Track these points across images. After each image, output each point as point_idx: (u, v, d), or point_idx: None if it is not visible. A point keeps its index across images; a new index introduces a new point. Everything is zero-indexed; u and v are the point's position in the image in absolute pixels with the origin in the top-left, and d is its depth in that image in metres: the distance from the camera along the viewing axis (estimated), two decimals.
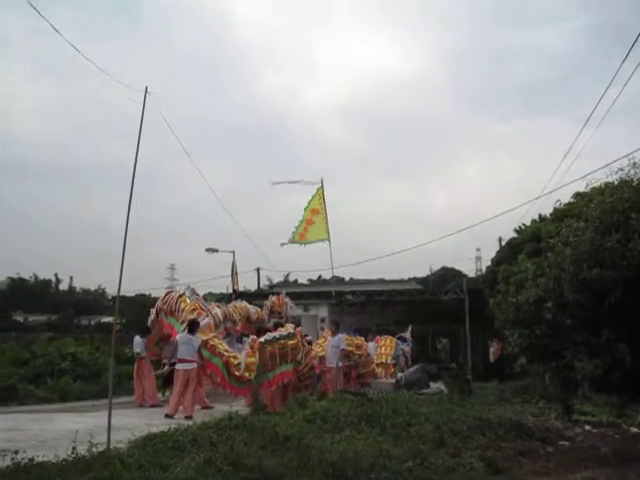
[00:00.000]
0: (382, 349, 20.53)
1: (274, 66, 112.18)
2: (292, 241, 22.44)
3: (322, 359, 15.15)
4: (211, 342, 13.27)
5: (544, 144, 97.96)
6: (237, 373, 12.58)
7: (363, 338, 18.49)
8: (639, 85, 12.89)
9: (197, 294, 15.67)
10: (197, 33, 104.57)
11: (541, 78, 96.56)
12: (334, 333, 15.65)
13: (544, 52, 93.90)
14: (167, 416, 11.81)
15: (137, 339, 15.14)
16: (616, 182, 13.86)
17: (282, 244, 22.61)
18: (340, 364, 15.10)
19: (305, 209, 22.42)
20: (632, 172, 13.53)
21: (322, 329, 22.00)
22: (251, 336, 13.78)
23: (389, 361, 20.20)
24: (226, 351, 13.21)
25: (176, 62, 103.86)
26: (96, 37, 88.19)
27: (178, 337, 12.72)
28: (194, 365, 12.66)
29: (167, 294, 15.64)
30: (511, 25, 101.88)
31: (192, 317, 13.66)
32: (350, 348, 16.46)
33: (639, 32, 10.66)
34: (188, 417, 11.57)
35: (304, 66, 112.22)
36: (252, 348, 12.77)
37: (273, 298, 19.68)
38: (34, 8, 7.75)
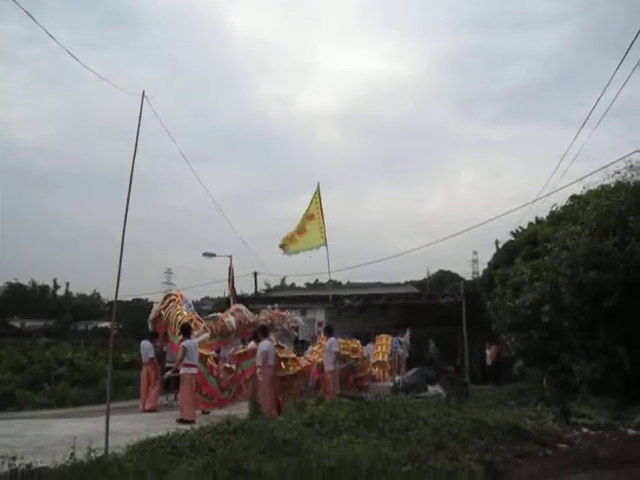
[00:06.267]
0: (379, 348, 20.52)
1: (269, 72, 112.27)
2: (283, 246, 22.47)
3: (320, 365, 15.09)
4: (210, 362, 13.55)
5: (540, 148, 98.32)
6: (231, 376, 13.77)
7: (359, 342, 18.46)
8: (634, 87, 12.92)
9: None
10: (193, 42, 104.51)
11: (535, 82, 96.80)
12: (327, 338, 15.62)
13: (537, 56, 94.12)
14: (184, 421, 11.50)
15: (147, 344, 14.96)
16: (613, 185, 13.89)
17: (281, 245, 22.74)
18: (337, 366, 15.09)
19: (302, 216, 22.43)
20: (629, 175, 13.58)
21: (319, 333, 21.95)
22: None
23: (386, 359, 20.17)
24: (218, 372, 13.92)
25: (172, 70, 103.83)
26: (91, 46, 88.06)
27: (186, 343, 12.61)
28: (197, 370, 12.83)
29: (166, 297, 15.58)
30: (503, 30, 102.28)
31: (179, 319, 13.82)
32: (346, 352, 16.46)
33: (635, 35, 10.64)
34: (189, 421, 11.50)
35: (299, 72, 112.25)
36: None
37: (268, 313, 19.31)
38: (32, 18, 7.82)
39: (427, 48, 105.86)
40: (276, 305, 19.99)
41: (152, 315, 15.36)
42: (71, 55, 8.61)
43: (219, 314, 16.38)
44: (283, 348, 14.31)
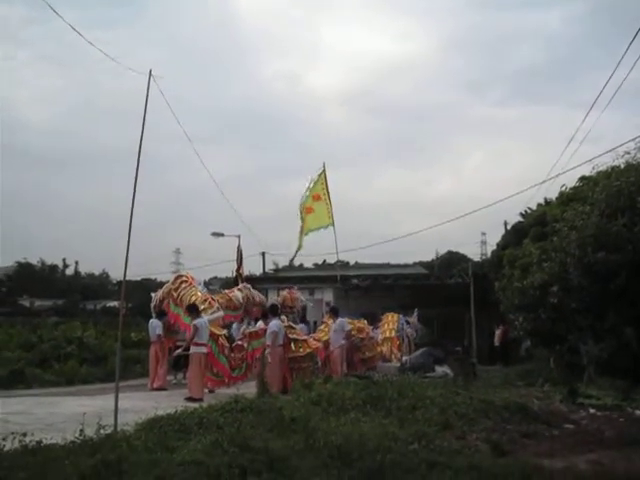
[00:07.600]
0: (385, 326, 20.62)
1: (276, 52, 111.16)
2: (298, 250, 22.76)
3: (326, 344, 15.19)
4: (221, 340, 13.57)
5: (548, 129, 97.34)
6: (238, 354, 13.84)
7: (366, 322, 18.54)
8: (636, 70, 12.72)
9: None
10: (199, 20, 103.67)
11: (542, 63, 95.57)
12: (334, 319, 15.69)
13: (544, 36, 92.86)
14: (192, 400, 11.55)
15: (156, 322, 14.96)
16: (622, 166, 13.76)
17: (291, 260, 22.97)
18: (344, 342, 15.22)
19: (307, 196, 22.33)
20: (639, 155, 13.42)
21: (326, 313, 22.04)
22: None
23: (393, 335, 20.26)
24: (231, 350, 13.83)
25: (178, 50, 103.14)
26: (96, 27, 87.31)
27: (198, 322, 12.64)
28: (206, 349, 12.88)
29: (177, 278, 15.56)
30: (511, 9, 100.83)
31: (192, 300, 13.78)
32: (353, 332, 16.60)
33: None
34: (197, 400, 11.57)
35: (306, 52, 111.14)
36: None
37: (284, 293, 19.36)
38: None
39: (433, 28, 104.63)
40: (295, 287, 20.14)
41: (159, 295, 15.35)
42: (79, 34, 8.61)
43: (226, 290, 16.50)
44: (294, 329, 14.37)
